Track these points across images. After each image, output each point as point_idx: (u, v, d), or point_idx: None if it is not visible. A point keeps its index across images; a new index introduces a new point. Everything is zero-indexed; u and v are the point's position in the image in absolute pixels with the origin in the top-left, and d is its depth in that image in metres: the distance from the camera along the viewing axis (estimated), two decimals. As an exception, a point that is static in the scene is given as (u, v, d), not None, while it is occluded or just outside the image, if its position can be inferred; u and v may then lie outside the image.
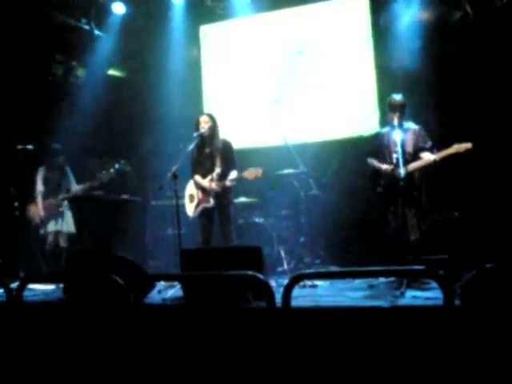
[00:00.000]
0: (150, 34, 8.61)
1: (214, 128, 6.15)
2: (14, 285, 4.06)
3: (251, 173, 5.90)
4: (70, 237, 7.17)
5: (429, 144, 5.58)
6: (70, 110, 7.81)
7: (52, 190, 7.12)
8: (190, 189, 6.31)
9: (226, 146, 6.22)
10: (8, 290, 3.89)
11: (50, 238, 7.05)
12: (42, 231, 7.05)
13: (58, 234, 7.08)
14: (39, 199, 7.10)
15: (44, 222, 7.04)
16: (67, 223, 7.12)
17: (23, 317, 3.90)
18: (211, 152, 6.14)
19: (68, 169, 7.25)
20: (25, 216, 7.11)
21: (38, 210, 7.07)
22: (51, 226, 7.04)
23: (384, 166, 5.64)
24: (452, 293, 2.77)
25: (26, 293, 3.84)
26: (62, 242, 7.08)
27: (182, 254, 4.92)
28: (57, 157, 7.19)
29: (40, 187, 7.15)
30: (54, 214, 7.04)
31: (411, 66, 6.94)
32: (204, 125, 6.08)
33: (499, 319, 2.85)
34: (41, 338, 4.12)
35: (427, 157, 5.47)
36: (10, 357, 3.87)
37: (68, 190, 7.09)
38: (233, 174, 6.05)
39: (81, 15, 7.99)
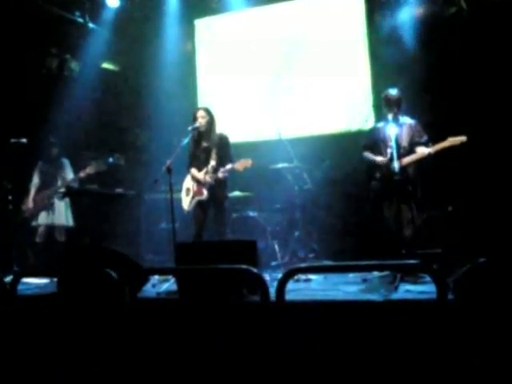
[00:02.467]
0: (145, 27, 8.58)
1: (210, 122, 6.15)
2: (8, 279, 4.05)
3: (241, 163, 5.93)
4: (67, 230, 7.15)
5: (424, 138, 5.59)
6: (63, 104, 7.77)
7: (47, 182, 7.11)
8: (187, 182, 6.32)
9: (223, 141, 6.24)
10: (2, 284, 3.88)
11: (41, 231, 7.03)
12: (33, 223, 7.04)
13: (51, 227, 7.06)
14: (32, 192, 7.11)
15: (35, 215, 7.02)
16: (59, 216, 7.09)
17: (17, 311, 3.90)
18: (208, 146, 6.15)
19: (65, 161, 7.24)
20: (18, 209, 7.10)
21: (28, 202, 7.06)
22: (42, 219, 7.03)
23: (379, 158, 5.66)
24: (445, 287, 2.78)
25: (19, 286, 3.83)
26: (58, 236, 7.06)
27: (176, 248, 4.92)
28: (51, 149, 7.17)
29: (35, 180, 7.16)
30: (45, 206, 7.02)
31: (406, 61, 6.94)
32: (201, 120, 6.08)
33: (492, 313, 2.86)
34: (35, 332, 4.12)
35: (422, 150, 5.49)
36: (3, 350, 3.87)
37: (60, 183, 7.07)
38: (227, 167, 6.06)
39: (75, 8, 7.96)
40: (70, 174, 7.15)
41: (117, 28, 8.33)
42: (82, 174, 6.94)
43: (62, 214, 7.12)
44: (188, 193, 6.28)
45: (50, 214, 7.04)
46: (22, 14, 7.39)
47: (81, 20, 8.04)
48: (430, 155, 5.43)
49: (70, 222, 7.21)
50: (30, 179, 7.20)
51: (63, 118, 7.62)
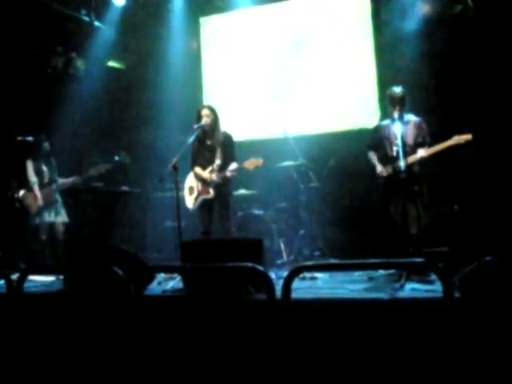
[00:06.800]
0: (150, 25, 8.59)
1: (215, 121, 6.14)
2: (15, 276, 4.07)
3: (251, 162, 5.92)
4: (66, 227, 7.14)
5: (426, 140, 5.58)
6: (69, 102, 7.79)
7: (43, 180, 7.08)
8: (190, 181, 6.32)
9: (227, 139, 6.23)
10: (9, 282, 3.89)
11: (46, 230, 7.01)
12: (37, 221, 6.99)
13: (53, 225, 7.04)
14: (36, 189, 7.02)
15: (40, 212, 7.00)
16: (61, 214, 7.10)
17: (24, 308, 3.91)
18: (212, 144, 6.15)
19: (53, 159, 7.21)
20: (22, 206, 7.06)
21: (36, 199, 6.99)
22: (46, 217, 7.00)
23: (379, 168, 5.66)
24: (452, 285, 2.77)
25: (26, 284, 3.84)
26: (59, 234, 7.05)
27: (182, 246, 4.92)
28: (42, 146, 7.13)
29: (33, 178, 7.07)
30: (50, 203, 7.01)
31: (411, 58, 6.93)
32: (206, 118, 6.07)
33: (499, 312, 2.86)
34: (41, 329, 4.13)
35: (419, 153, 5.48)
36: (10, 347, 3.88)
37: (55, 181, 7.06)
38: (233, 166, 6.06)
39: (81, 6, 7.96)
40: (56, 174, 7.14)
41: (122, 26, 8.33)
42: (74, 180, 6.99)
43: (63, 211, 7.13)
44: (191, 191, 6.27)
45: (53, 212, 7.03)
46: (28, 12, 7.39)
47: (87, 18, 8.03)
48: (422, 158, 5.44)
49: (67, 219, 7.20)
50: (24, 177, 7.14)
51: (69, 117, 7.63)
